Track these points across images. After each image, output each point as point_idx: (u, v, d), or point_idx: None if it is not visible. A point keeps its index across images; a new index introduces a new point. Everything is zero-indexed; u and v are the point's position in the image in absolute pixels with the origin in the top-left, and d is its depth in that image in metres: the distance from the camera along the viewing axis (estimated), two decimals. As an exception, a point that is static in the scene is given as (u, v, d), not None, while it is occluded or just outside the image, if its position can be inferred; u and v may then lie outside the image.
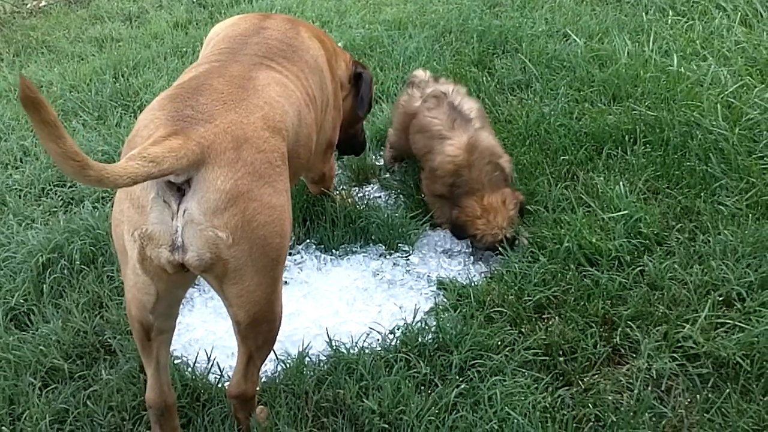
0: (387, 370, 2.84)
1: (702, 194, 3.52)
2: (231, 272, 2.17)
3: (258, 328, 2.34)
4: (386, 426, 2.64)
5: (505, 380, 2.75)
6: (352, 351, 2.94)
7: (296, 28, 3.00)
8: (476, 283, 3.27)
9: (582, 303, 3.06)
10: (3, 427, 2.73)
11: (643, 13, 5.34)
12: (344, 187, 3.97)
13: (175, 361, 2.94)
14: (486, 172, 3.47)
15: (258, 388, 2.59)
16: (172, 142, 2.03)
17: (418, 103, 3.77)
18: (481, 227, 3.40)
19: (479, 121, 3.64)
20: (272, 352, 2.62)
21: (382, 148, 4.26)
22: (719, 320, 2.91)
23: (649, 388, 2.73)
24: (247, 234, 2.14)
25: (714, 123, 3.88)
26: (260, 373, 2.60)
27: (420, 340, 2.97)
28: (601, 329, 2.96)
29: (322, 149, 3.29)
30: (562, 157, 3.89)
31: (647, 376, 2.77)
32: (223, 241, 2.10)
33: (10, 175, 4.36)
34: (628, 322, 2.95)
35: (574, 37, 5.05)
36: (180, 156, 2.00)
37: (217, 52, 2.74)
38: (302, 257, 3.50)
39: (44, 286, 3.34)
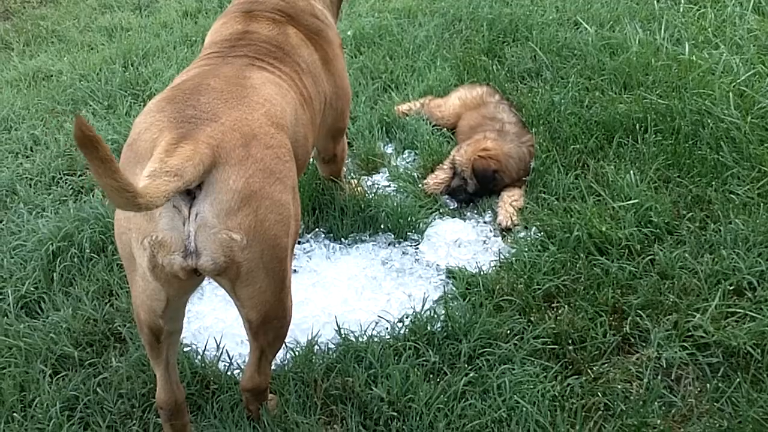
0: (396, 358, 2.84)
1: (713, 183, 3.50)
2: (244, 274, 2.15)
3: (269, 325, 2.34)
4: (395, 414, 2.64)
5: (514, 369, 2.75)
6: (361, 339, 2.94)
7: (284, 30, 2.86)
8: (485, 272, 3.26)
9: (592, 292, 3.05)
10: (14, 414, 2.75)
11: (655, 1, 5.30)
12: (353, 176, 3.96)
13: (185, 349, 2.95)
14: (513, 145, 3.85)
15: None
16: (185, 150, 1.98)
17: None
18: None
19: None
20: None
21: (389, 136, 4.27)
22: (730, 309, 2.90)
23: (659, 377, 2.72)
24: (259, 234, 2.11)
25: (726, 111, 3.84)
26: (269, 361, 2.61)
27: (429, 328, 2.97)
28: (611, 318, 2.95)
29: (332, 134, 3.31)
30: (572, 146, 3.87)
31: (657, 365, 2.77)
32: (237, 243, 2.07)
33: (21, 164, 4.38)
34: (638, 311, 2.94)
35: (585, 25, 5.01)
36: (196, 163, 1.96)
37: (205, 57, 2.69)
38: (311, 246, 3.50)
39: (54, 274, 3.36)
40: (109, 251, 3.46)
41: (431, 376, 2.80)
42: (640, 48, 4.58)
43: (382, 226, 3.56)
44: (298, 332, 2.99)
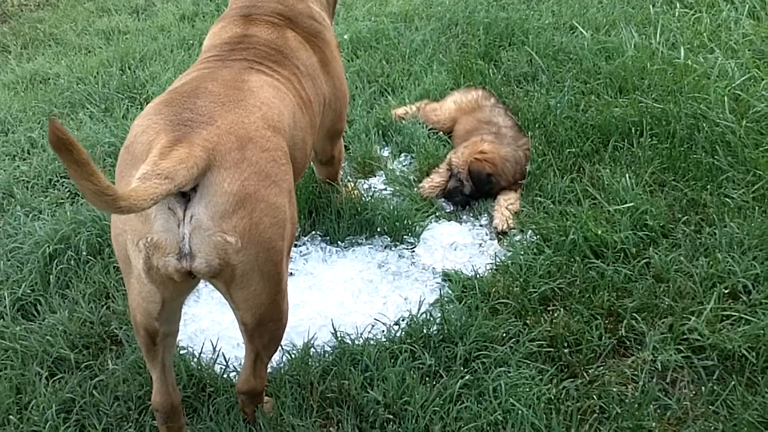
0: (392, 361, 2.85)
1: (708, 187, 3.51)
2: (238, 277, 2.15)
3: (264, 327, 2.35)
4: (391, 416, 2.65)
5: (509, 372, 2.76)
6: (357, 342, 2.95)
7: (283, 34, 2.87)
8: (481, 275, 3.27)
9: (587, 295, 3.06)
10: (10, 416, 2.75)
11: (650, 6, 5.32)
12: (350, 179, 3.97)
13: (181, 352, 2.95)
14: (510, 148, 3.85)
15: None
16: (179, 152, 1.98)
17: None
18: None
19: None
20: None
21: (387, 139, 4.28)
22: (725, 313, 2.91)
23: (654, 380, 2.73)
24: (254, 237, 2.12)
25: (721, 115, 3.86)
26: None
27: (425, 331, 2.97)
28: (607, 321, 2.96)
29: (330, 136, 3.32)
30: (568, 150, 3.88)
31: (652, 368, 2.77)
32: (232, 246, 2.07)
33: (18, 166, 4.38)
34: (634, 315, 2.95)
35: (581, 30, 5.02)
36: (190, 166, 1.96)
37: (204, 60, 2.69)
38: (308, 249, 3.51)
39: (51, 276, 3.36)
40: (106, 254, 3.46)
41: (427, 378, 2.81)
42: (635, 52, 4.60)
43: (378, 229, 3.57)
44: (294, 335, 3.00)
